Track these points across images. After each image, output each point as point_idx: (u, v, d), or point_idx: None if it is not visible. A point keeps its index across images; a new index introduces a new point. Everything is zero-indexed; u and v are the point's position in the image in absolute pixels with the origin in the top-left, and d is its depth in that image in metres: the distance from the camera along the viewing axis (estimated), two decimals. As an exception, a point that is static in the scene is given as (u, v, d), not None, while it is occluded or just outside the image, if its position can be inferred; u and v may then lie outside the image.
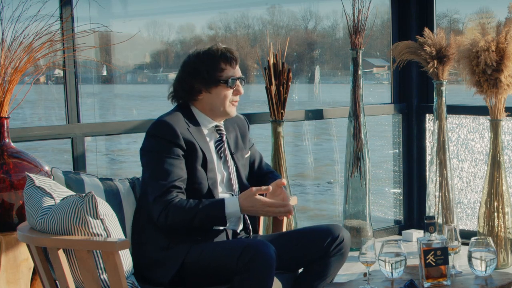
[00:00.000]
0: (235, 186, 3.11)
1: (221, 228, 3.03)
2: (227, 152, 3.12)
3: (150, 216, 2.96)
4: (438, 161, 4.85)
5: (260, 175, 3.27)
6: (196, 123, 3.05)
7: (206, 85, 3.03)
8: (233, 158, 3.14)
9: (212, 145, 3.08)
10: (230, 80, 3.04)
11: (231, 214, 2.92)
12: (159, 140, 2.94)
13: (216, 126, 3.11)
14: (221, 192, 3.06)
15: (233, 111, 3.09)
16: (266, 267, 2.73)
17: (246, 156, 3.22)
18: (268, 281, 2.75)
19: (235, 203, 2.91)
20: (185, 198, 2.93)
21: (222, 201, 2.92)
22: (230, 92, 3.05)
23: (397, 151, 5.57)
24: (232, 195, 3.09)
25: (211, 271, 2.85)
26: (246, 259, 2.72)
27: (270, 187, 2.97)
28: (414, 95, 5.47)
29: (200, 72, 3.02)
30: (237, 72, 3.08)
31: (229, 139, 3.15)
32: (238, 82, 3.07)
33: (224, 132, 3.13)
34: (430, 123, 5.41)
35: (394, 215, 5.64)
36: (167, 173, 2.90)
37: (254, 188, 2.93)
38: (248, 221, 3.15)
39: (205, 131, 3.08)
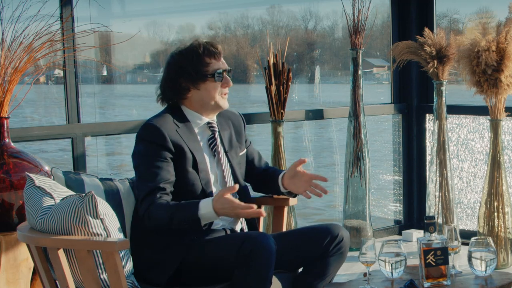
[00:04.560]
0: (230, 184, 3.08)
1: (219, 227, 3.03)
2: (220, 149, 3.10)
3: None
4: (438, 161, 4.85)
5: (259, 172, 3.26)
6: (186, 123, 3.04)
7: (194, 81, 3.01)
8: (227, 156, 3.12)
9: (204, 144, 3.07)
10: (216, 74, 3.02)
11: (205, 215, 2.85)
12: (147, 144, 2.93)
13: (208, 123, 3.10)
14: (216, 192, 3.02)
15: (225, 103, 3.08)
16: (266, 258, 2.72)
17: (241, 154, 3.19)
18: (269, 273, 2.75)
19: (208, 204, 2.86)
20: (170, 200, 2.92)
21: (196, 203, 2.88)
22: (218, 85, 3.03)
23: (397, 151, 5.57)
24: None
25: (210, 267, 2.85)
26: (246, 251, 2.72)
27: (237, 186, 2.86)
28: (414, 95, 5.47)
29: (185, 69, 3.00)
30: (223, 64, 3.06)
31: (223, 137, 3.13)
32: (225, 74, 3.05)
33: (217, 129, 3.11)
34: (430, 123, 5.41)
35: (394, 215, 5.64)
36: (154, 175, 2.89)
37: (223, 189, 2.87)
38: (244, 221, 3.15)
39: (196, 130, 3.06)
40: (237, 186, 2.86)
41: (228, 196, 2.84)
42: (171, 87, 3.04)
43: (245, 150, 3.23)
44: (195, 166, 2.98)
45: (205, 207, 2.86)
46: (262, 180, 3.24)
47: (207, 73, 3.01)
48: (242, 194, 3.12)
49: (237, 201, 2.85)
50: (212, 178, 3.04)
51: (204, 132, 3.09)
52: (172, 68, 3.04)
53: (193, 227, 2.90)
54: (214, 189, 3.04)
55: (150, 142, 2.93)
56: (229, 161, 3.11)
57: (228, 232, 3.05)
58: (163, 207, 2.87)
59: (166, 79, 3.06)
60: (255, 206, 2.83)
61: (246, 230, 3.15)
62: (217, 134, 3.10)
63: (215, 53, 3.03)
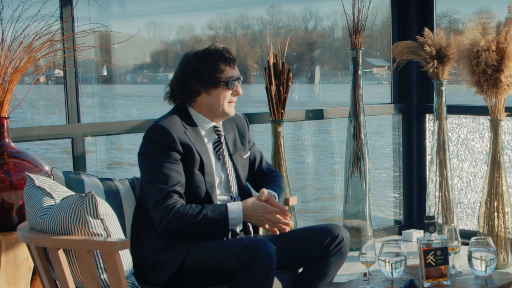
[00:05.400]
0: (234, 188, 3.10)
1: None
2: (226, 153, 3.11)
3: (148, 218, 2.95)
4: (438, 161, 4.85)
5: (260, 175, 3.27)
6: (193, 125, 3.04)
7: (206, 86, 3.01)
8: (231, 159, 3.13)
9: (210, 147, 3.07)
10: (230, 82, 3.03)
11: (234, 220, 2.93)
12: (156, 145, 2.93)
13: (215, 127, 3.10)
14: (219, 195, 3.05)
15: (232, 111, 3.09)
16: (267, 266, 2.73)
17: (245, 156, 3.20)
18: (269, 280, 2.75)
19: (238, 208, 2.93)
20: (185, 203, 2.93)
21: (225, 207, 2.93)
22: (229, 93, 3.05)
23: (397, 151, 5.57)
24: (231, 197, 3.08)
25: (211, 270, 2.85)
26: (247, 258, 2.72)
27: (264, 196, 3.01)
28: (414, 95, 5.47)
29: (199, 73, 3.00)
30: (236, 72, 3.07)
31: (228, 140, 3.14)
32: (236, 82, 3.07)
33: (223, 133, 3.12)
34: (430, 123, 5.41)
35: (394, 215, 5.64)
36: (166, 177, 2.89)
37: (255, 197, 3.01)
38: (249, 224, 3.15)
39: (203, 133, 3.06)
40: (265, 193, 3.01)
41: (259, 201, 2.98)
42: (182, 87, 3.04)
43: (249, 152, 3.24)
44: (201, 168, 2.99)
45: (235, 211, 2.92)
46: (259, 182, 3.25)
47: (220, 80, 3.01)
48: (244, 195, 3.12)
49: (269, 206, 2.96)
50: (216, 181, 3.04)
51: (210, 136, 3.09)
52: (186, 69, 3.03)
53: (217, 231, 2.96)
54: (218, 192, 3.04)
55: (159, 143, 2.92)
56: (233, 164, 3.12)
57: (229, 233, 3.04)
58: (185, 213, 2.87)
59: (178, 79, 3.05)
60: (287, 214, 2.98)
61: (251, 229, 3.15)
62: (222, 138, 3.11)
63: (230, 60, 3.03)
